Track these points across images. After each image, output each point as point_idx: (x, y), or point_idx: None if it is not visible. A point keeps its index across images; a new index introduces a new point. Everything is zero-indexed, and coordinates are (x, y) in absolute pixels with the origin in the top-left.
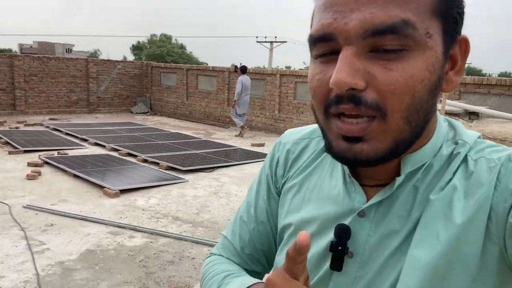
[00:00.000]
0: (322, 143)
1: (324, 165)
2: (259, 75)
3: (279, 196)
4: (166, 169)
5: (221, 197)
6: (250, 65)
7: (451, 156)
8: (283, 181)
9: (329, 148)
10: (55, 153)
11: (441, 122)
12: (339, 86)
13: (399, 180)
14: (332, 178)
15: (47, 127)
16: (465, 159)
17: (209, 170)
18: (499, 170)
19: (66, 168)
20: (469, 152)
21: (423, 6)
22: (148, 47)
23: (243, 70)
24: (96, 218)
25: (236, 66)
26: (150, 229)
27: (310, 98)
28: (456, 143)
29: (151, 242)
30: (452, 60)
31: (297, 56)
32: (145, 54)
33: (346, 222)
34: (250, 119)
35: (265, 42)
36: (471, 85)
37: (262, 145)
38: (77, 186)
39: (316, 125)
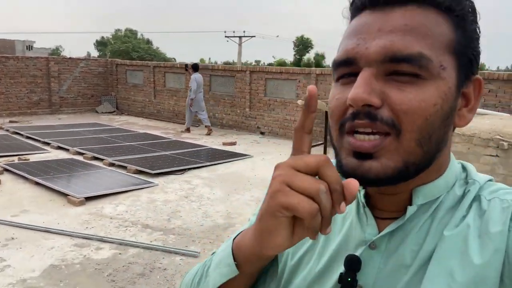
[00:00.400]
0: None
1: None
2: (228, 72)
3: None
4: (135, 173)
5: (193, 201)
6: (220, 60)
7: (463, 194)
8: None
9: (339, 167)
10: (16, 159)
11: (454, 162)
12: (355, 101)
13: (411, 209)
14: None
15: (7, 130)
16: (478, 198)
17: (179, 172)
18: None
19: (27, 176)
20: (482, 192)
21: (438, 43)
22: (113, 42)
23: (195, 67)
24: (60, 230)
25: (186, 65)
26: (118, 239)
27: (329, 118)
28: (467, 183)
29: (120, 253)
30: (466, 98)
31: (266, 50)
32: (110, 50)
33: (357, 253)
34: (220, 117)
35: (234, 37)
36: None
37: (233, 143)
38: (39, 195)
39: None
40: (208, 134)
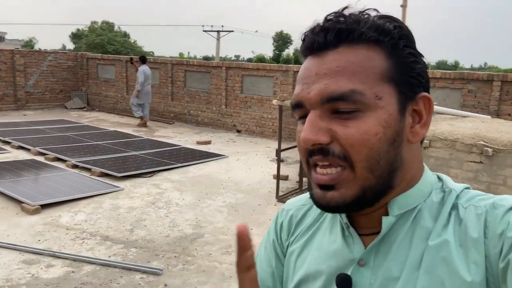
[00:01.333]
0: None
1: (324, 225)
2: (204, 67)
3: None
4: (99, 176)
5: (160, 208)
6: (199, 55)
7: (441, 202)
8: (287, 244)
9: (311, 195)
10: None
11: (429, 172)
12: (305, 142)
13: (386, 220)
14: (331, 234)
15: None
16: (456, 207)
17: (148, 175)
18: (486, 218)
19: None
20: (459, 200)
21: (371, 75)
22: (88, 35)
23: (143, 60)
24: (8, 244)
25: (131, 58)
26: (73, 254)
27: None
28: (444, 191)
29: (73, 272)
30: (418, 115)
31: (245, 45)
32: (85, 43)
33: (348, 272)
34: (195, 114)
35: (212, 31)
36: None
37: (208, 142)
38: None
39: None
40: (143, 125)
